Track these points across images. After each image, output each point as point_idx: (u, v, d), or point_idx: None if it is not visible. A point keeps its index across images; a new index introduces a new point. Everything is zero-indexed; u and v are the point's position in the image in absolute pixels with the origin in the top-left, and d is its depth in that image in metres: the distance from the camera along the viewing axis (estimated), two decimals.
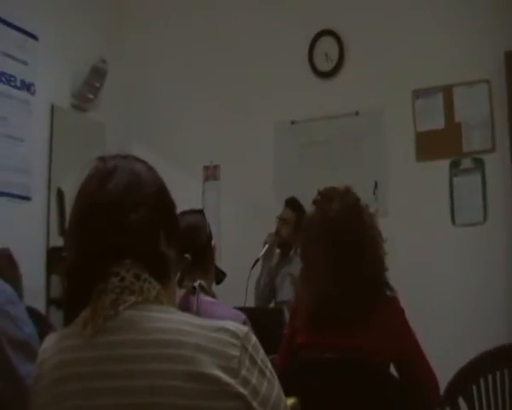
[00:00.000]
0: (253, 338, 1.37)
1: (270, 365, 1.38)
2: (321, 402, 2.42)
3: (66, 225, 1.51)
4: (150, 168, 1.53)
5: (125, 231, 1.38)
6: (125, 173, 1.45)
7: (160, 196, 1.50)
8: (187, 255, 2.66)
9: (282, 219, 5.31)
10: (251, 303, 4.99)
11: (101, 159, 1.50)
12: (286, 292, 4.93)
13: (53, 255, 5.37)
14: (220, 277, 3.06)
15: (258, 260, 5.23)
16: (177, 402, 1.26)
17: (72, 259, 1.42)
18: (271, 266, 5.33)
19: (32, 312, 3.10)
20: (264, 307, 5.20)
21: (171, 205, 1.54)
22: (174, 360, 1.28)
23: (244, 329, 1.36)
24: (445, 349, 4.26)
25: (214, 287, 3.00)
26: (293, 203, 5.29)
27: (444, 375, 2.92)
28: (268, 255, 5.31)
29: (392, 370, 2.74)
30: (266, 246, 5.25)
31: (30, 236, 5.23)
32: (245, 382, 1.29)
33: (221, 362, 1.29)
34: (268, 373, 1.36)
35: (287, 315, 3.79)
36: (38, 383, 1.39)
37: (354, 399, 2.52)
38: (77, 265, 1.40)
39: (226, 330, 1.33)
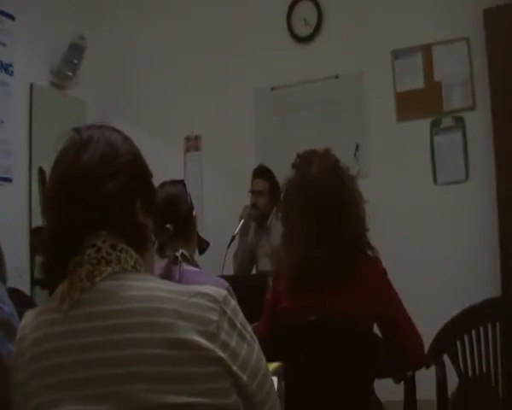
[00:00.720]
0: (232, 302, 1.37)
1: (249, 328, 1.38)
2: (305, 365, 2.44)
3: None
4: (126, 138, 1.51)
5: (100, 202, 1.38)
6: (100, 144, 1.44)
7: (136, 165, 1.49)
8: (168, 226, 2.65)
9: (255, 192, 5.23)
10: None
11: (76, 130, 1.48)
12: (266, 263, 4.91)
13: (36, 236, 5.34)
14: (203, 246, 3.06)
15: (234, 236, 5.13)
16: (157, 370, 1.26)
17: (49, 232, 1.41)
18: (247, 241, 5.26)
19: (16, 293, 3.11)
20: (247, 274, 5.15)
21: (147, 174, 1.53)
22: (152, 328, 1.28)
23: (223, 292, 1.35)
24: (428, 308, 4.27)
25: (197, 257, 3.00)
26: (262, 173, 5.25)
27: (428, 333, 2.94)
28: (244, 230, 5.23)
29: (376, 330, 2.76)
30: (242, 221, 5.16)
31: (12, 217, 5.22)
32: (224, 345, 1.30)
33: (200, 327, 1.29)
34: (248, 336, 1.36)
35: (270, 282, 3.78)
36: (18, 360, 1.39)
37: (338, 360, 2.53)
38: (54, 237, 1.40)
39: (204, 295, 1.33)
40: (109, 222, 1.39)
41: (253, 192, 5.26)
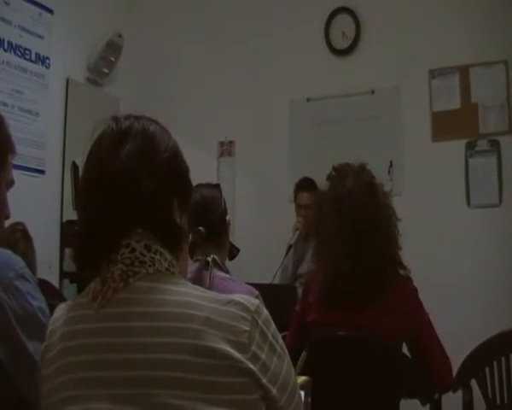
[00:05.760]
0: (265, 311, 1.34)
1: (281, 339, 1.36)
2: (331, 379, 2.41)
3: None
4: (164, 130, 1.48)
5: (137, 200, 1.35)
6: (139, 137, 1.41)
7: (175, 162, 1.45)
8: (200, 228, 2.62)
9: (302, 206, 5.19)
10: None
11: (115, 119, 1.44)
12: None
13: (67, 229, 5.37)
14: (233, 252, 3.04)
15: (291, 246, 5.09)
16: (184, 376, 1.23)
17: (82, 227, 1.39)
18: (297, 253, 5.19)
19: (45, 285, 3.11)
20: (276, 284, 5.05)
21: (185, 170, 1.49)
22: (182, 334, 1.25)
23: (255, 302, 1.33)
24: (458, 331, 4.23)
25: (227, 262, 2.99)
26: (306, 185, 5.20)
27: (457, 356, 2.91)
28: (297, 242, 5.16)
29: (405, 350, 2.74)
30: (297, 232, 5.12)
31: (44, 209, 5.24)
32: (254, 357, 1.27)
33: (230, 336, 1.26)
34: (278, 348, 1.33)
35: (298, 293, 3.76)
36: (48, 353, 1.38)
37: (365, 378, 2.52)
38: (87, 233, 1.37)
39: (236, 303, 1.30)
40: (145, 221, 1.37)
41: (299, 206, 5.24)
